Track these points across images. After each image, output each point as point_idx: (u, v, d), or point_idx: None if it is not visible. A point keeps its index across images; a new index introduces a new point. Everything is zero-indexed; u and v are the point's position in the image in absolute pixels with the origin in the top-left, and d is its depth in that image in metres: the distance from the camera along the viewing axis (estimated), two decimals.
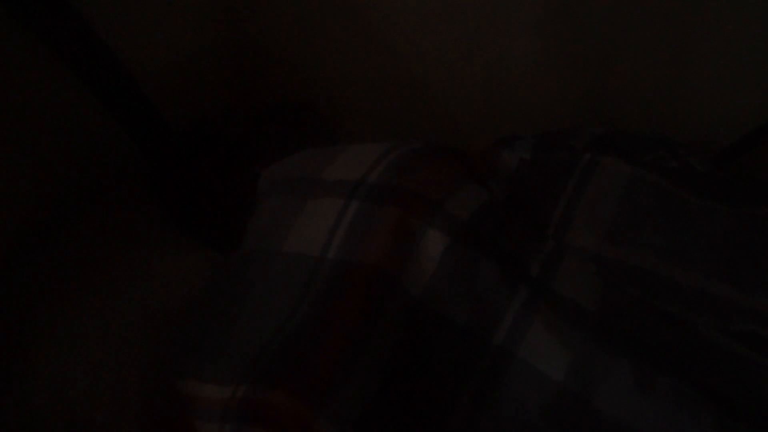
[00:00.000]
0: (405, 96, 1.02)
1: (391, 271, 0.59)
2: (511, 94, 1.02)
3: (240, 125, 0.85)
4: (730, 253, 0.72)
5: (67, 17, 0.72)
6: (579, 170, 0.76)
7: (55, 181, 0.77)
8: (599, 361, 0.58)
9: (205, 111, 0.91)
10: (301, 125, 0.90)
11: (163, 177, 0.83)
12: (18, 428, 0.65)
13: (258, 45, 0.99)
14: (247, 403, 0.54)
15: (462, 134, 1.02)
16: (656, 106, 0.99)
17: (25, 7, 0.67)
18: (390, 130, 0.99)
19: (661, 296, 0.68)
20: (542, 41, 0.96)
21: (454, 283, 0.60)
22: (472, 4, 0.93)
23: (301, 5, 0.95)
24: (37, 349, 0.66)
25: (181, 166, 0.83)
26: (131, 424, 0.65)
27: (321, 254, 0.61)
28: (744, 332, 0.67)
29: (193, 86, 0.91)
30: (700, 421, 0.56)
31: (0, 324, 0.67)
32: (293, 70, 1.01)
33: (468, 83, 1.01)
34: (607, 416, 0.57)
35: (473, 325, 0.59)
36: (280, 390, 0.54)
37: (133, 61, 0.81)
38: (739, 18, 0.87)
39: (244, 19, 0.97)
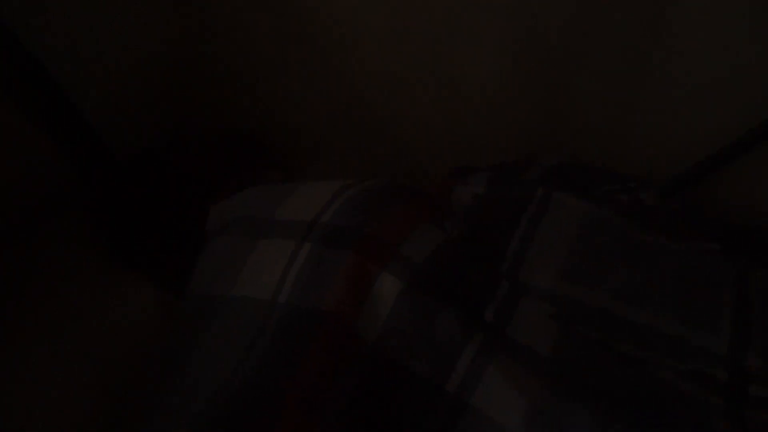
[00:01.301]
0: (363, 127, 1.02)
1: (347, 318, 0.58)
2: (470, 124, 1.02)
3: (190, 154, 0.83)
4: (679, 291, 0.73)
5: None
6: (533, 206, 0.76)
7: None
8: (555, 408, 0.58)
9: (154, 139, 0.88)
10: (254, 157, 0.88)
11: (107, 207, 0.80)
12: None
13: (211, 70, 0.97)
14: None
15: (421, 164, 1.01)
16: (609, 137, 1.00)
17: None
18: (348, 161, 0.99)
19: (615, 335, 0.68)
20: (502, 71, 0.96)
21: (408, 330, 0.59)
22: (431, 32, 0.93)
23: (258, 30, 0.94)
24: None
25: (126, 196, 0.80)
26: None
27: (272, 298, 0.59)
28: (693, 371, 0.68)
29: (141, 112, 0.89)
30: None
31: None
32: (247, 97, 0.99)
33: (426, 112, 1.01)
34: None
35: (427, 372, 0.58)
36: None
37: (75, 84, 0.78)
38: (690, 54, 0.89)
39: (198, 43, 0.95)
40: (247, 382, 0.55)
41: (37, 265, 0.73)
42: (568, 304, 0.69)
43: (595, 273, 0.72)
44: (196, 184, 0.79)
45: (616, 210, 0.79)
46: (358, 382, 0.57)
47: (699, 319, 0.71)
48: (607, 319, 0.70)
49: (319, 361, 0.56)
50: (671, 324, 0.70)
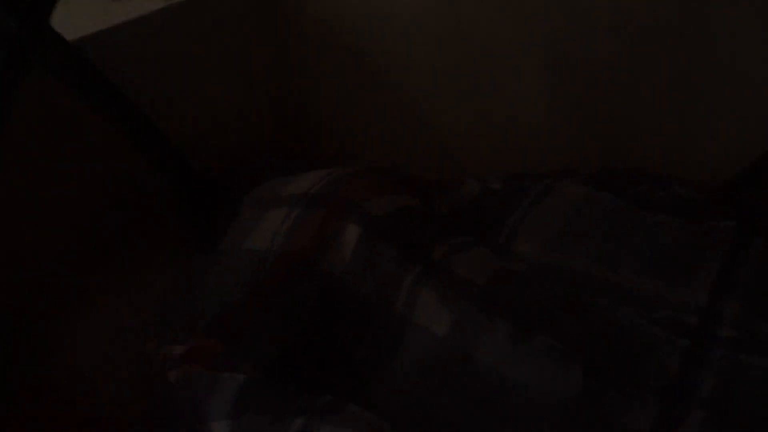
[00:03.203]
0: (420, 151, 1.19)
1: (310, 255, 0.75)
2: (519, 146, 1.13)
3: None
4: (666, 257, 0.78)
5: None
6: (534, 192, 0.87)
7: (93, 214, 0.99)
8: (478, 320, 0.69)
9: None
10: None
11: (195, 218, 1.04)
12: (37, 397, 0.83)
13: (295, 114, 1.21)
14: (192, 349, 0.70)
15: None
16: (659, 152, 1.06)
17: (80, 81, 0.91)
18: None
19: (587, 293, 0.75)
20: (547, 90, 1.08)
21: (362, 265, 0.74)
22: (482, 66, 1.09)
23: (332, 78, 1.18)
24: (58, 334, 0.85)
25: (211, 210, 1.03)
26: (135, 390, 0.81)
27: (266, 249, 0.77)
28: (665, 318, 0.72)
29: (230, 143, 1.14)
30: (569, 372, 0.64)
31: (31, 317, 0.87)
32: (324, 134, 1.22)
33: (478, 136, 1.15)
34: (485, 368, 0.67)
35: (377, 297, 0.73)
36: (214, 337, 0.70)
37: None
38: (737, 62, 0.97)
39: (284, 91, 1.21)
40: (236, 300, 0.73)
41: (134, 258, 0.97)
42: (545, 268, 0.78)
43: (581, 244, 0.80)
44: None
45: (629, 199, 0.85)
46: (319, 303, 0.73)
47: (681, 278, 0.76)
48: (584, 279, 0.77)
49: (281, 281, 0.73)
50: (650, 283, 0.76)
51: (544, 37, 1.06)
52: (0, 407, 0.83)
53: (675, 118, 1.05)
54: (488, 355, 0.67)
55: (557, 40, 1.05)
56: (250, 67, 1.23)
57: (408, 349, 0.70)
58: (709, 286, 0.75)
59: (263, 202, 0.84)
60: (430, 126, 1.19)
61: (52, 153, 0.91)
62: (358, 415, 0.62)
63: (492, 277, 0.74)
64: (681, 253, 0.79)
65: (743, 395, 0.65)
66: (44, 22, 0.83)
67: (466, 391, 0.67)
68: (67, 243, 0.95)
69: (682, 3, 0.96)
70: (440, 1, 1.10)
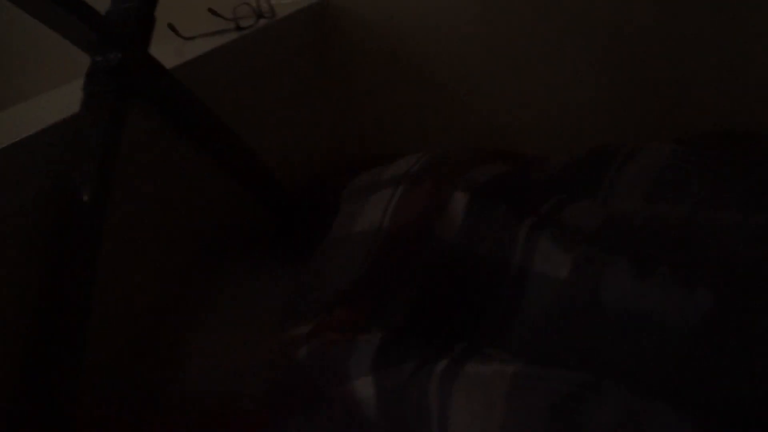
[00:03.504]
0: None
1: (422, 224, 0.78)
2: (570, 123, 1.16)
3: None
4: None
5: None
6: (623, 154, 0.88)
7: (205, 239, 1.05)
8: (600, 259, 0.70)
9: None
10: None
11: (288, 231, 1.09)
12: (176, 397, 0.86)
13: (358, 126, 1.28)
14: (322, 322, 0.73)
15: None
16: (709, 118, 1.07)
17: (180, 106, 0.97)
18: None
19: (696, 232, 0.75)
20: (591, 64, 1.12)
21: (476, 225, 0.77)
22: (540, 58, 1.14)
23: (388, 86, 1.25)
24: (192, 334, 0.89)
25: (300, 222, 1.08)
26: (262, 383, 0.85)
27: (377, 228, 0.81)
28: None
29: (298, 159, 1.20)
30: (696, 294, 0.65)
31: (167, 325, 0.92)
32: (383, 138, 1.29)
33: (528, 118, 1.19)
34: (610, 303, 0.68)
35: (495, 253, 0.75)
36: (345, 308, 0.73)
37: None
38: None
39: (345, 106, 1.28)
40: (358, 276, 0.76)
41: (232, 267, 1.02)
42: (649, 218, 0.79)
43: (678, 190, 0.81)
44: None
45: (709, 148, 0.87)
46: (438, 268, 0.76)
47: None
48: (690, 222, 0.77)
49: (401, 251, 0.77)
50: (762, 215, 0.75)
51: (584, 11, 1.10)
52: (142, 411, 0.87)
53: (722, 83, 1.07)
54: (612, 291, 0.69)
55: (597, 12, 1.09)
56: (313, 88, 1.30)
57: (531, 298, 0.72)
58: None
59: (363, 190, 0.88)
60: (484, 115, 1.23)
61: (165, 191, 0.98)
62: (496, 356, 0.64)
63: (603, 224, 0.76)
64: None
65: None
66: (144, 52, 0.91)
67: (593, 327, 0.68)
68: (181, 265, 1.02)
69: None
70: None
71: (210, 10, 1.18)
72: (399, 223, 0.79)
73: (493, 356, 0.63)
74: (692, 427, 0.54)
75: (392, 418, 0.64)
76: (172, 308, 0.98)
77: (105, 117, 0.83)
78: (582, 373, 0.60)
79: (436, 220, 0.78)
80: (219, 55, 1.11)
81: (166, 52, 1.04)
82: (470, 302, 0.74)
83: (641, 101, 1.14)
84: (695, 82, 1.09)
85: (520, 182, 0.84)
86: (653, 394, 0.57)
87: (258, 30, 1.18)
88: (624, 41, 1.10)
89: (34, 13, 0.82)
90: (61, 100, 0.89)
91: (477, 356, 0.63)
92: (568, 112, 1.17)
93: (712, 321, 0.63)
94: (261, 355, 0.88)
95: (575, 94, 1.15)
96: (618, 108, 1.15)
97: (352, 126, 1.33)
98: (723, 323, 0.63)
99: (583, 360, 0.65)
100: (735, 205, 0.77)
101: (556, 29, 1.13)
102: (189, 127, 0.99)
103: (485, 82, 1.21)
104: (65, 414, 0.79)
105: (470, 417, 0.58)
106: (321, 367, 0.71)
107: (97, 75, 0.84)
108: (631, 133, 1.09)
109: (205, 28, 1.19)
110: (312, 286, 0.82)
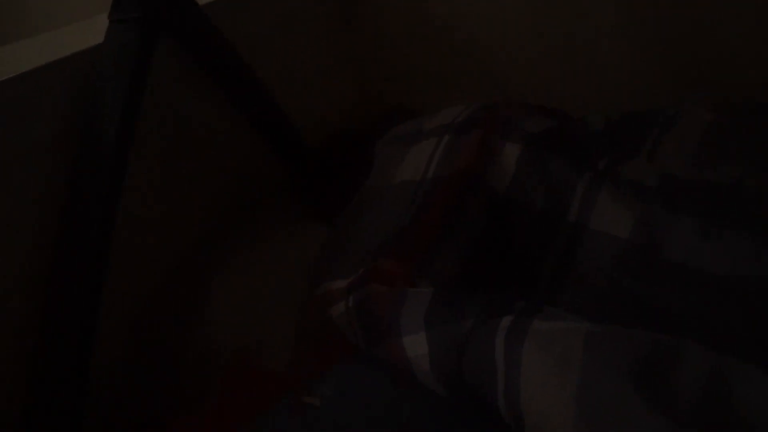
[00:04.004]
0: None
1: (475, 172, 0.73)
2: (601, 86, 1.12)
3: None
4: None
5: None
6: (664, 117, 0.84)
7: (225, 191, 1.00)
8: (662, 218, 0.67)
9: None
10: None
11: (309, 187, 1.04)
12: (196, 349, 0.82)
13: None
14: (364, 274, 0.68)
15: None
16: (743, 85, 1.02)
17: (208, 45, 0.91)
18: None
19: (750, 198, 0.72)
20: (621, 27, 1.06)
21: (530, 177, 0.73)
22: (564, 15, 1.08)
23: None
24: (212, 290, 0.85)
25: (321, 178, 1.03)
26: (288, 340, 0.80)
27: (422, 178, 0.76)
28: None
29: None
30: (763, 255, 0.63)
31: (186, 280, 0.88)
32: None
33: (557, 80, 1.14)
34: (673, 263, 0.65)
35: (549, 207, 0.71)
36: (390, 259, 0.68)
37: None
38: None
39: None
40: (404, 224, 0.72)
41: (253, 225, 0.98)
42: (697, 185, 0.76)
43: (724, 155, 0.77)
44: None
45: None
46: (490, 219, 0.71)
47: None
48: (740, 192, 0.74)
49: (451, 200, 0.72)
50: None
51: None
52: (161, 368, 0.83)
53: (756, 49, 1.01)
54: (676, 251, 0.65)
55: None
56: (337, 39, 1.24)
57: (588, 256, 0.68)
58: None
59: (403, 141, 0.83)
60: (510, 76, 1.19)
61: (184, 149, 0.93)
62: (560, 315, 0.60)
63: (661, 183, 0.72)
64: None
65: None
66: None
67: (654, 287, 0.65)
68: (203, 223, 0.97)
69: None
70: None
71: None
72: (446, 173, 0.74)
73: (557, 315, 0.59)
74: None
75: (448, 378, 0.60)
76: (190, 263, 0.93)
77: (131, 48, 0.78)
78: (657, 333, 0.56)
79: (486, 170, 0.74)
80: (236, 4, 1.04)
81: None
82: (522, 258, 0.70)
83: (671, 62, 1.09)
84: (729, 42, 1.03)
85: (572, 136, 0.79)
86: (735, 354, 0.53)
87: None
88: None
89: None
90: (88, 29, 0.83)
91: (540, 314, 0.59)
92: (592, 71, 1.12)
93: None
94: (287, 310, 0.84)
95: (600, 52, 1.10)
96: (644, 68, 1.10)
97: (374, 78, 1.28)
98: None
99: (650, 321, 0.62)
100: None
101: None
102: (215, 67, 0.93)
103: (510, 39, 1.16)
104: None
105: (544, 374, 0.54)
106: (363, 322, 0.66)
107: (124, 3, 0.78)
108: (659, 97, 1.05)
109: None
110: (348, 240, 0.78)
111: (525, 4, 1.12)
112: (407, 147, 0.81)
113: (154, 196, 0.89)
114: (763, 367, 0.53)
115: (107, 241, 0.78)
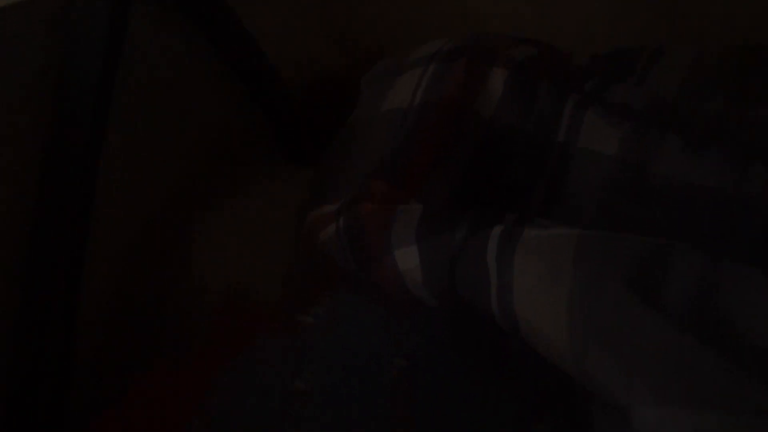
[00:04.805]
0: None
1: (462, 100, 0.73)
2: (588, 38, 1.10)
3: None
4: None
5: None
6: (648, 52, 0.84)
7: (208, 136, 0.99)
8: (650, 135, 0.67)
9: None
10: None
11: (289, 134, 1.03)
12: (182, 290, 0.82)
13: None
14: (355, 196, 0.68)
15: None
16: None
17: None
18: None
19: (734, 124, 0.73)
20: None
21: (518, 101, 0.73)
22: None
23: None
24: (198, 230, 0.85)
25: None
26: (277, 279, 0.80)
27: (409, 105, 0.76)
28: None
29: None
30: (750, 168, 0.63)
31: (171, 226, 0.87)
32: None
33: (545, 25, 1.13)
34: (660, 178, 0.65)
35: (537, 130, 0.71)
36: (381, 181, 0.68)
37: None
38: None
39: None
40: (394, 150, 0.72)
41: (235, 168, 0.97)
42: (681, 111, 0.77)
43: (709, 89, 0.77)
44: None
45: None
46: (479, 144, 0.71)
47: None
48: (722, 120, 0.75)
49: (441, 126, 0.72)
50: None
51: None
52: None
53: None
54: (663, 166, 0.66)
55: None
56: None
57: (577, 174, 0.69)
58: None
59: (390, 71, 0.83)
60: (490, 20, 1.16)
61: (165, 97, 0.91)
62: (549, 223, 0.60)
63: (649, 104, 0.72)
64: None
65: None
66: None
67: (642, 203, 0.66)
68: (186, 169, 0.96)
69: None
70: None
71: None
72: (434, 98, 0.74)
73: (548, 224, 0.59)
74: None
75: (439, 288, 0.60)
76: (175, 208, 0.93)
77: None
78: (650, 237, 0.56)
79: (473, 95, 0.74)
80: None
81: None
82: (513, 181, 0.70)
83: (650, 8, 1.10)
84: None
85: (558, 63, 0.79)
86: (730, 259, 0.54)
87: None
88: None
89: None
90: None
91: (532, 224, 0.59)
92: (573, 16, 1.12)
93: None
94: (276, 248, 0.83)
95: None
96: (627, 13, 1.10)
97: (353, 24, 1.26)
98: None
99: (641, 234, 0.62)
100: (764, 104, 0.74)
101: None
102: (195, 9, 0.92)
103: None
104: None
105: (536, 279, 0.54)
106: (353, 240, 0.66)
107: None
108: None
109: None
110: (337, 169, 0.77)
111: None
112: (393, 78, 0.81)
113: (135, 139, 0.88)
114: (754, 270, 0.53)
115: (92, 184, 0.77)
